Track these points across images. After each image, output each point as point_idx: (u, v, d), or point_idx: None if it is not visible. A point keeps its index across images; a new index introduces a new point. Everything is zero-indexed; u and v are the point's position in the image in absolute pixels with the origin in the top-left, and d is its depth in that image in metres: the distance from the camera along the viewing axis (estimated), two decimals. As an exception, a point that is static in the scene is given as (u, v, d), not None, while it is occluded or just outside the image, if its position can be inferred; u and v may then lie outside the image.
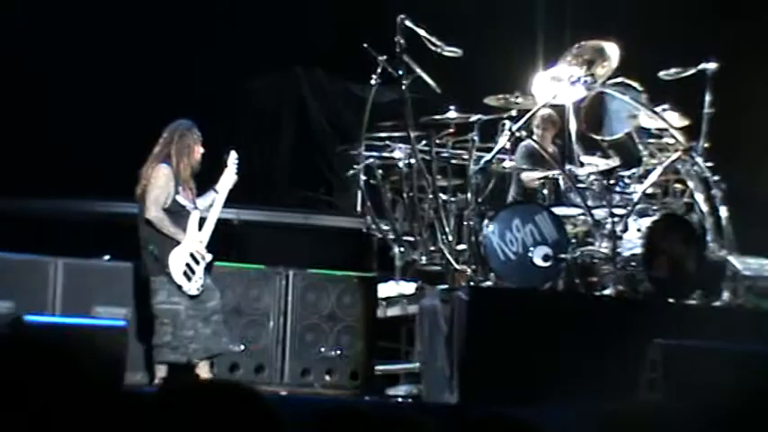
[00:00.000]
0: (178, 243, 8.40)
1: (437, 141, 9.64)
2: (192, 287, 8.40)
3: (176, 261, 8.39)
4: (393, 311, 9.60)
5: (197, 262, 8.44)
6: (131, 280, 8.98)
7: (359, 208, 9.86)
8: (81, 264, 9.20)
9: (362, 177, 9.73)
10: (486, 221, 9.14)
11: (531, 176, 9.65)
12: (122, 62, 11.30)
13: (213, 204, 8.66)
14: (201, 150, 8.55)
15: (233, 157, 8.74)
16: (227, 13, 11.71)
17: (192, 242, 8.44)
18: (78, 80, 11.14)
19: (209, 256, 8.50)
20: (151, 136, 8.66)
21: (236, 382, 2.49)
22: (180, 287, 8.37)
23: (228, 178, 8.70)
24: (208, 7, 11.64)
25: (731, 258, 9.42)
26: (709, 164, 9.56)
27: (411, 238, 9.62)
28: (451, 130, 9.71)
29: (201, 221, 8.58)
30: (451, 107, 9.59)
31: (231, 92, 11.66)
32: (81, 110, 11.12)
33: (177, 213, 8.43)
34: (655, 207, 9.56)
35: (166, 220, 8.39)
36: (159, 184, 8.37)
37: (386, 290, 9.60)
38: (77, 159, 10.97)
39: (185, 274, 8.40)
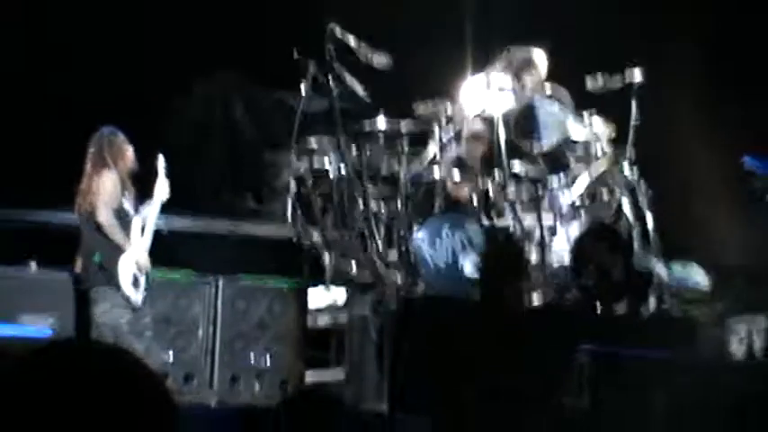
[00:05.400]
0: (122, 252, 8.29)
1: (367, 150, 9.65)
2: (139, 297, 8.32)
3: (125, 269, 8.29)
4: (323, 320, 9.60)
5: (141, 271, 8.36)
6: (58, 289, 8.89)
7: (289, 216, 9.84)
8: (6, 271, 9.10)
9: (292, 185, 9.71)
10: (415, 228, 9.16)
11: (459, 186, 9.67)
12: (41, 68, 11.22)
13: (148, 215, 8.58)
14: (131, 150, 8.49)
15: (161, 162, 8.68)
16: (155, 20, 11.62)
17: (137, 250, 8.36)
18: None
19: (149, 266, 8.42)
20: (77, 143, 8.59)
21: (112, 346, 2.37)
22: (127, 298, 8.26)
23: (161, 184, 8.64)
24: (135, 14, 11.55)
25: (657, 266, 9.52)
26: (636, 172, 9.66)
27: (341, 247, 9.61)
28: (381, 139, 9.72)
29: (142, 229, 8.51)
30: (381, 115, 9.60)
31: (159, 99, 11.57)
32: (4, 116, 11.01)
33: (122, 220, 8.36)
34: (582, 216, 9.64)
35: (117, 225, 8.30)
36: (108, 189, 8.30)
37: (316, 298, 9.60)
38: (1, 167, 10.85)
39: (133, 283, 8.31)
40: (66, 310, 8.99)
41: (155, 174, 8.67)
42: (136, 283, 8.31)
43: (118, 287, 8.24)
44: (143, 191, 8.66)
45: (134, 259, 8.32)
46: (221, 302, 9.34)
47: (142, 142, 8.81)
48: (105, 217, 8.26)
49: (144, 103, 11.10)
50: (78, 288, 8.63)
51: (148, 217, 8.53)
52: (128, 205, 8.40)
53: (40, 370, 2.20)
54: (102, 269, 8.29)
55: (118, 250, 8.29)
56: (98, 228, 8.28)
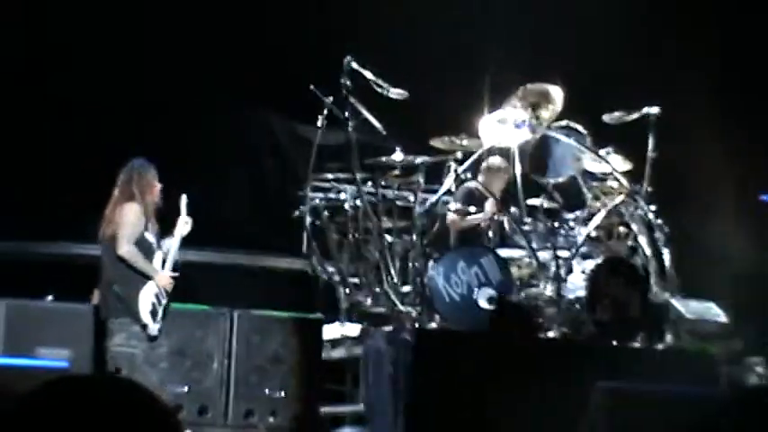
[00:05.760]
0: (145, 282, 8.34)
1: (383, 183, 9.67)
2: (156, 328, 8.35)
3: (145, 299, 8.33)
4: (338, 353, 9.58)
5: (159, 302, 8.40)
6: (75, 321, 8.90)
7: (304, 249, 9.85)
8: (24, 304, 9.12)
9: (308, 218, 9.72)
10: (431, 263, 9.16)
11: (472, 219, 9.67)
12: (67, 104, 11.29)
13: (170, 250, 8.60)
14: (160, 186, 8.54)
15: (184, 202, 8.71)
16: (177, 54, 11.70)
17: (161, 278, 8.40)
18: (19, 124, 11.11)
19: (167, 299, 8.45)
20: (97, 177, 8.64)
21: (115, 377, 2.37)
22: (144, 326, 8.29)
23: (182, 223, 8.67)
24: (157, 47, 11.62)
25: (674, 301, 9.49)
26: (653, 207, 9.65)
27: (356, 280, 9.61)
28: (397, 172, 9.74)
29: (163, 262, 8.54)
30: (397, 149, 9.62)
31: (180, 132, 11.62)
32: (25, 150, 11.08)
33: (146, 251, 8.40)
34: (598, 250, 9.62)
35: (140, 255, 8.34)
36: (131, 221, 8.34)
37: (331, 331, 9.59)
38: (20, 200, 10.90)
39: (152, 313, 8.34)
40: (82, 342, 9.00)
41: (177, 211, 8.69)
42: (154, 313, 8.34)
43: (136, 318, 8.27)
44: (165, 227, 8.69)
45: (155, 289, 8.35)
46: (236, 335, 9.34)
47: (166, 175, 8.84)
48: (126, 249, 8.31)
49: (166, 137, 11.16)
50: (97, 318, 8.64)
51: (170, 251, 8.56)
52: (150, 237, 8.44)
53: (51, 402, 2.20)
54: (121, 300, 8.31)
55: (138, 281, 8.32)
56: (119, 258, 8.32)
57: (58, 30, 11.41)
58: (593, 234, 9.57)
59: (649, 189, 9.72)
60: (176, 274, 8.51)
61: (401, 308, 9.16)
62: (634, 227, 9.69)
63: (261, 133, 12.24)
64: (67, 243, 10.48)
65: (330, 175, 9.80)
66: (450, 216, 9.61)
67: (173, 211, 8.68)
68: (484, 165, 9.88)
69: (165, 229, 8.65)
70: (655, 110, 9.73)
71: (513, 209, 9.59)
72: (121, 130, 10.90)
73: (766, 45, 11.10)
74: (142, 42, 11.48)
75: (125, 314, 8.29)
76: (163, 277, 8.39)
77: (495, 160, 9.90)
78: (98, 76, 11.30)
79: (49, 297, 9.35)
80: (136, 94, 11.32)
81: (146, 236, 8.41)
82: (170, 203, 8.68)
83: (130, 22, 11.49)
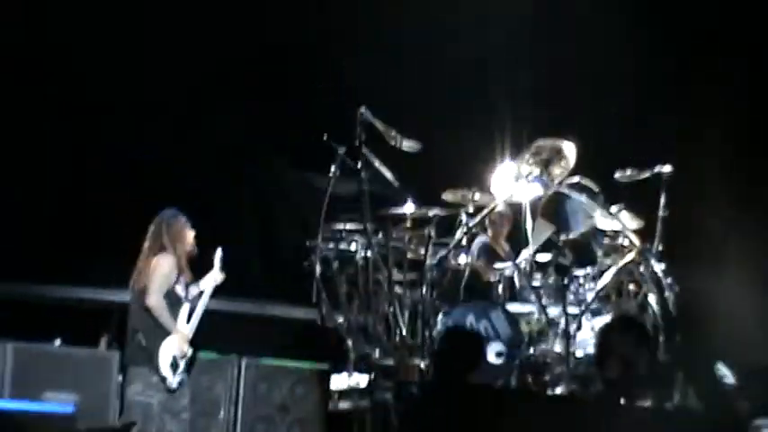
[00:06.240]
0: (167, 334, 8.31)
1: (393, 235, 9.67)
2: (175, 380, 8.32)
3: (166, 352, 8.30)
4: (345, 404, 9.55)
5: (182, 356, 8.37)
6: (82, 366, 8.89)
7: (314, 299, 9.84)
8: (31, 348, 9.11)
9: (318, 268, 9.71)
10: (440, 316, 9.14)
11: (485, 273, 9.67)
12: (76, 148, 11.35)
13: (198, 304, 8.57)
14: (193, 233, 8.53)
15: (219, 255, 8.69)
16: (187, 107, 11.75)
17: (182, 335, 8.37)
18: (28, 169, 11.17)
19: (190, 351, 8.42)
20: (106, 223, 8.66)
21: None
22: (164, 379, 8.26)
23: (214, 276, 8.65)
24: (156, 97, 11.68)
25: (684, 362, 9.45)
26: (663, 266, 9.63)
27: (365, 331, 9.59)
28: (408, 224, 9.74)
29: (189, 315, 8.51)
30: (409, 201, 9.63)
31: (194, 183, 11.64)
32: (33, 194, 11.12)
33: (172, 304, 8.38)
34: (608, 307, 9.61)
35: (166, 308, 8.32)
36: (164, 272, 8.34)
37: (338, 382, 9.56)
38: (28, 241, 10.92)
39: (172, 365, 8.32)
40: (89, 386, 8.99)
41: (210, 264, 8.66)
42: (175, 366, 8.32)
43: (156, 368, 8.25)
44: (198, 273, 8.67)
45: (176, 344, 8.33)
46: (244, 383, 9.31)
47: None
48: (155, 301, 8.29)
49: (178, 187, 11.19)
50: (110, 364, 8.64)
51: (198, 305, 8.54)
52: (180, 290, 8.43)
53: None
54: (143, 349, 8.28)
55: (162, 332, 8.31)
56: (146, 309, 8.30)
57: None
58: (603, 291, 9.55)
59: (660, 247, 9.71)
60: (191, 332, 8.47)
61: (409, 360, 9.13)
62: (644, 285, 9.67)
63: (274, 182, 12.25)
64: (76, 287, 10.48)
65: (341, 226, 9.80)
66: (476, 270, 9.61)
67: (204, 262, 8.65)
68: (494, 218, 9.90)
69: (198, 278, 8.63)
70: (667, 168, 9.74)
71: (522, 263, 9.58)
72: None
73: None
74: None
75: (145, 364, 8.28)
76: (181, 337, 8.36)
77: (505, 213, 9.92)
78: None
79: (57, 341, 9.34)
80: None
81: (176, 288, 8.41)
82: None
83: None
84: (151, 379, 8.24)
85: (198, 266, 8.57)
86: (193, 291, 8.56)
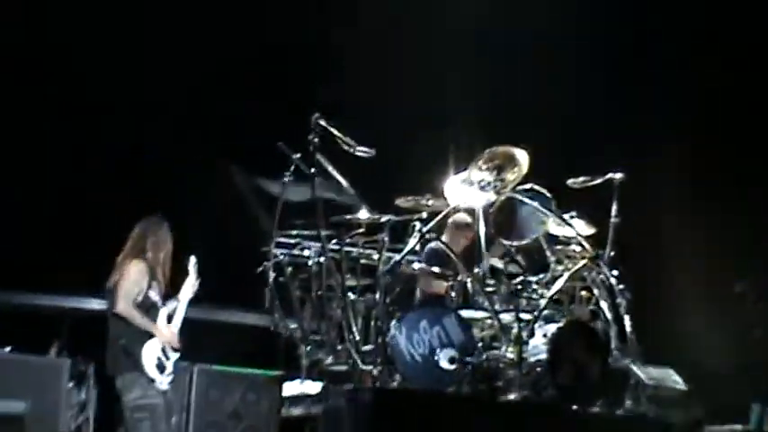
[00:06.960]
0: (148, 337, 8.30)
1: (347, 241, 9.66)
2: (165, 381, 8.31)
3: (149, 354, 8.30)
4: (297, 411, 9.51)
5: (167, 357, 8.36)
6: (33, 372, 8.83)
7: (267, 305, 9.81)
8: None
9: (272, 274, 9.69)
10: (393, 322, 9.14)
11: (438, 280, 9.68)
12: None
13: (176, 310, 8.60)
14: (171, 243, 8.56)
15: (193, 262, 8.73)
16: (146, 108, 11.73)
17: (164, 335, 8.37)
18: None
19: (176, 354, 8.42)
20: (64, 228, 8.64)
21: None
22: (152, 381, 8.24)
23: (191, 282, 8.68)
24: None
25: (634, 367, 9.50)
26: (615, 272, 9.68)
27: (318, 337, 9.57)
28: (362, 230, 9.74)
29: (169, 318, 8.51)
30: (363, 207, 9.63)
31: (148, 185, 11.61)
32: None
33: (148, 309, 8.37)
34: (561, 313, 9.64)
35: (136, 312, 8.33)
36: (133, 278, 8.37)
37: (291, 389, 9.53)
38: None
39: (158, 367, 8.31)
40: (39, 394, 8.93)
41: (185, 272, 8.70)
42: (161, 367, 8.32)
43: (142, 371, 8.24)
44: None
45: (160, 345, 8.33)
46: (195, 390, 9.28)
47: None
48: (122, 307, 8.32)
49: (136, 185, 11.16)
50: (102, 377, 8.61)
51: (177, 310, 8.56)
52: (153, 295, 8.45)
53: None
54: (128, 354, 8.28)
55: (143, 335, 8.31)
56: (118, 315, 8.31)
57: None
58: (556, 297, 9.58)
59: (612, 254, 9.76)
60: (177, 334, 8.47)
61: (362, 367, 9.12)
62: (596, 291, 9.71)
63: (226, 188, 12.22)
64: (29, 294, 10.40)
65: (295, 232, 9.78)
66: (429, 276, 9.62)
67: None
68: (450, 221, 9.91)
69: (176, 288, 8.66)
70: (619, 175, 9.80)
71: (476, 269, 9.59)
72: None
73: (735, 112, 11.24)
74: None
75: (132, 369, 8.27)
76: (164, 333, 8.35)
77: (462, 217, 9.93)
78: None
79: (7, 348, 9.28)
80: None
81: (149, 294, 8.41)
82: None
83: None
84: (146, 382, 8.24)
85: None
86: (171, 301, 8.58)
